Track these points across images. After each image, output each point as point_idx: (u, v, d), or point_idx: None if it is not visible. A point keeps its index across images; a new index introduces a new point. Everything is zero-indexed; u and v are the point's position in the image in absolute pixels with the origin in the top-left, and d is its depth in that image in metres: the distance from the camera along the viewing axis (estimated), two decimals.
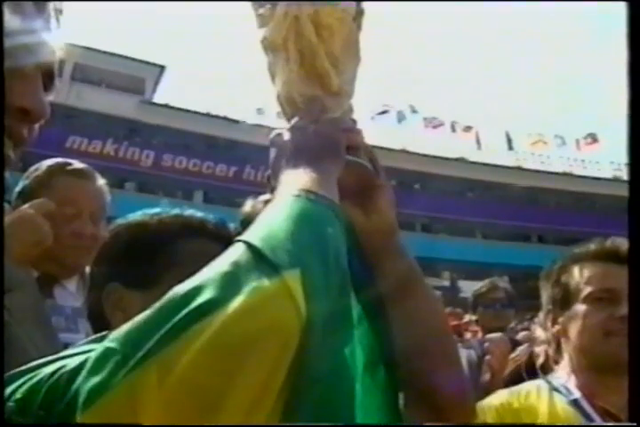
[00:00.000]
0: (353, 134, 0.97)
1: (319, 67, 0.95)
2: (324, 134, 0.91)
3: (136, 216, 1.13)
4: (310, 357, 0.62)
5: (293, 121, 0.94)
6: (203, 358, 0.57)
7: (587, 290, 1.55)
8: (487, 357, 2.83)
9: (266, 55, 0.99)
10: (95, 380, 0.60)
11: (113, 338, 0.63)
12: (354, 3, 0.99)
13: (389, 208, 1.01)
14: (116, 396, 0.57)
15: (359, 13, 1.00)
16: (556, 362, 1.67)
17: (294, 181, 0.80)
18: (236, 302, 0.59)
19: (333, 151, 0.90)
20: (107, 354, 0.61)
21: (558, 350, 1.64)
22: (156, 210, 1.13)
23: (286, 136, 0.92)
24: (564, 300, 1.60)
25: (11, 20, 0.77)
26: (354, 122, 1.01)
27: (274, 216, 0.73)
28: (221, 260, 0.66)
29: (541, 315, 3.19)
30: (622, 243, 1.55)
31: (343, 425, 0.88)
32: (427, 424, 1.02)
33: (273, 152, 0.92)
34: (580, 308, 1.55)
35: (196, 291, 0.62)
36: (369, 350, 1.01)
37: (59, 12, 0.89)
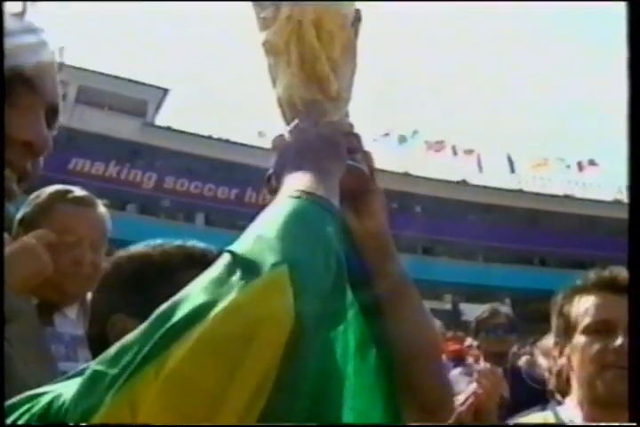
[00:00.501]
0: (351, 138, 0.98)
1: (319, 71, 0.96)
2: (325, 136, 0.92)
3: (138, 247, 1.14)
4: (301, 352, 0.62)
5: (294, 123, 0.95)
6: (197, 359, 0.58)
7: (585, 321, 1.55)
8: (474, 388, 2.74)
9: (267, 58, 1.01)
10: (85, 403, 0.59)
11: (100, 361, 0.63)
12: (353, 9, 1.01)
13: (382, 213, 1.02)
14: (111, 410, 0.57)
15: (357, 20, 1.01)
16: (564, 394, 1.66)
17: (295, 183, 0.81)
18: (224, 304, 0.60)
19: (335, 152, 0.91)
20: (95, 377, 0.61)
21: (567, 381, 1.63)
22: (158, 241, 1.13)
23: (288, 138, 0.93)
24: (567, 331, 1.60)
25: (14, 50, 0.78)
26: (351, 126, 1.02)
27: (268, 218, 0.73)
28: (206, 272, 0.67)
29: (543, 341, 3.19)
30: (619, 271, 1.55)
31: (341, 425, 0.87)
32: (425, 424, 1.02)
33: (274, 154, 0.93)
34: (580, 340, 1.55)
35: (181, 303, 0.62)
36: (360, 332, 1.01)
37: (61, 49, 0.90)
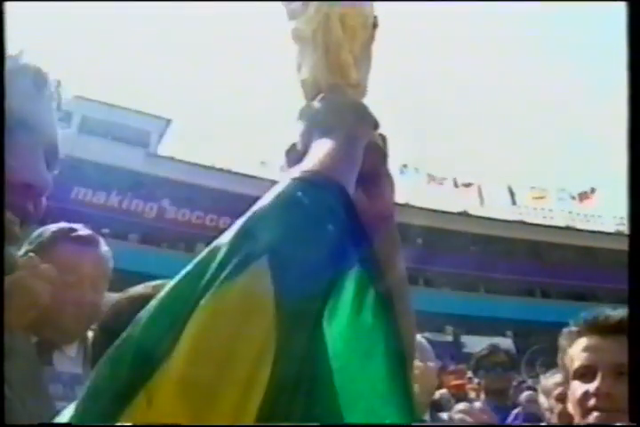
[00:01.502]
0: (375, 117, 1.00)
1: (342, 59, 1.02)
2: (355, 103, 0.96)
3: (137, 289, 1.14)
4: (288, 340, 0.61)
5: (321, 95, 0.98)
6: (194, 358, 0.58)
7: (574, 367, 1.58)
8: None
9: (295, 44, 1.06)
10: (95, 408, 0.59)
11: (96, 377, 0.62)
12: (373, 12, 1.07)
13: (392, 199, 1.04)
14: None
15: (374, 25, 1.07)
16: None
17: (315, 156, 0.81)
18: (205, 302, 0.60)
19: (364, 118, 0.93)
20: (95, 392, 0.60)
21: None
22: (157, 282, 1.13)
23: (317, 105, 0.95)
24: (566, 376, 1.63)
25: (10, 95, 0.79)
26: None
27: (258, 205, 0.72)
28: (190, 265, 0.66)
29: (542, 379, 3.19)
30: (603, 313, 1.58)
31: (341, 425, 0.86)
32: (424, 424, 1.01)
33: (301, 122, 0.94)
34: (572, 385, 1.58)
35: (166, 306, 0.62)
36: (358, 284, 0.98)
37: (58, 82, 0.91)
